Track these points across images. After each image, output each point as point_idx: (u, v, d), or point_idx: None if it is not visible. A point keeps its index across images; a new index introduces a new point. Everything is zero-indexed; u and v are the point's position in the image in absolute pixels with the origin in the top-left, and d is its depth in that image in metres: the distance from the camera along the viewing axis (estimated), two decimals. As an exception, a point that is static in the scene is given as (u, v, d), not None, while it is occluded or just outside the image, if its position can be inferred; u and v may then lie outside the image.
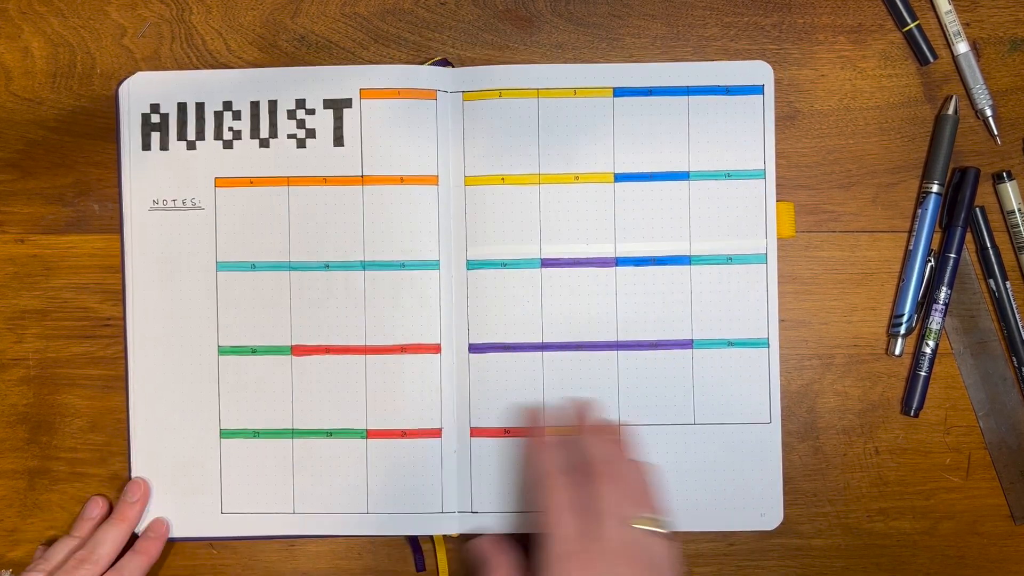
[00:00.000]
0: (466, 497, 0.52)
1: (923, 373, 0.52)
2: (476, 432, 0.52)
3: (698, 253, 0.52)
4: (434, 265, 0.52)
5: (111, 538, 0.50)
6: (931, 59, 0.52)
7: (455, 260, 0.52)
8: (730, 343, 0.51)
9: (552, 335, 0.52)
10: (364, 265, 0.52)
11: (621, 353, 0.52)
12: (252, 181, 0.52)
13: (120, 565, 0.50)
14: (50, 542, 0.52)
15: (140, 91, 0.53)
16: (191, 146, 0.53)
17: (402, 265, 0.52)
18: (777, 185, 0.52)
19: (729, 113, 0.51)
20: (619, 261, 0.52)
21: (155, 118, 0.53)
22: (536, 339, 0.52)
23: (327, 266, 0.52)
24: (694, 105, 0.52)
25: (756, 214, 0.51)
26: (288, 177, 0.52)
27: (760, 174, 0.51)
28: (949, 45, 0.52)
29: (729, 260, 0.51)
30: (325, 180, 0.52)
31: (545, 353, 0.52)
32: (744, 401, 0.52)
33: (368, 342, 0.52)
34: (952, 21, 0.52)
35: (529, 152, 0.52)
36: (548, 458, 0.47)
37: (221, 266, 0.52)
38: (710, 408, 0.52)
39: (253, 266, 0.52)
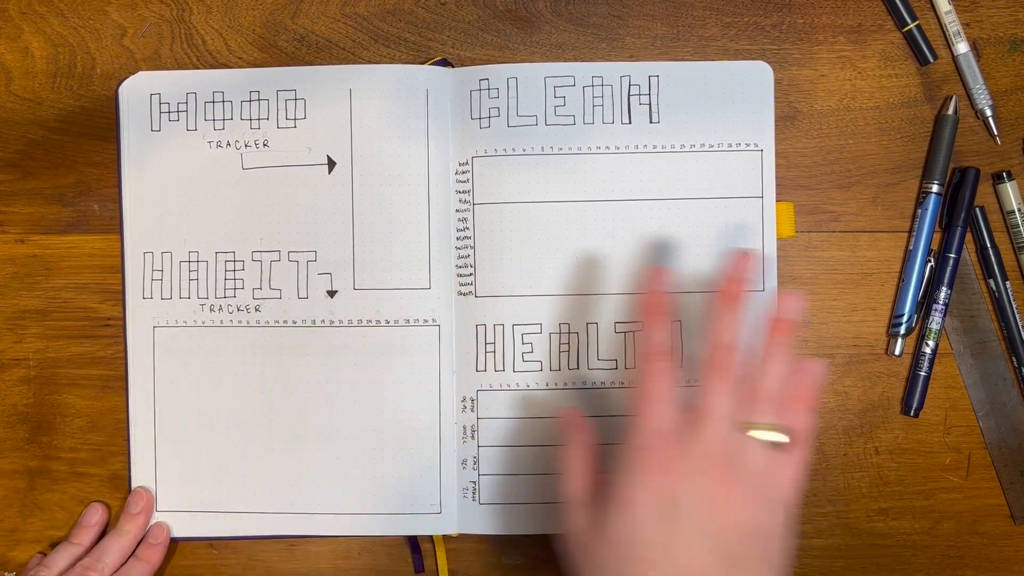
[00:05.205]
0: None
1: (923, 373, 0.52)
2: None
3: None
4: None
5: (116, 549, 0.50)
6: (931, 59, 0.52)
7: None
8: None
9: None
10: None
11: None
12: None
13: (122, 573, 0.50)
14: (52, 544, 0.53)
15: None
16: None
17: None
18: (777, 185, 0.52)
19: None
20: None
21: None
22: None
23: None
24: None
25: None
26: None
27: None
28: (949, 45, 0.52)
29: None
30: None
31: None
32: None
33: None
34: (952, 21, 0.52)
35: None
36: (658, 335, 0.40)
37: (221, 266, 0.53)
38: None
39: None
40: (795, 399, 0.40)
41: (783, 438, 0.39)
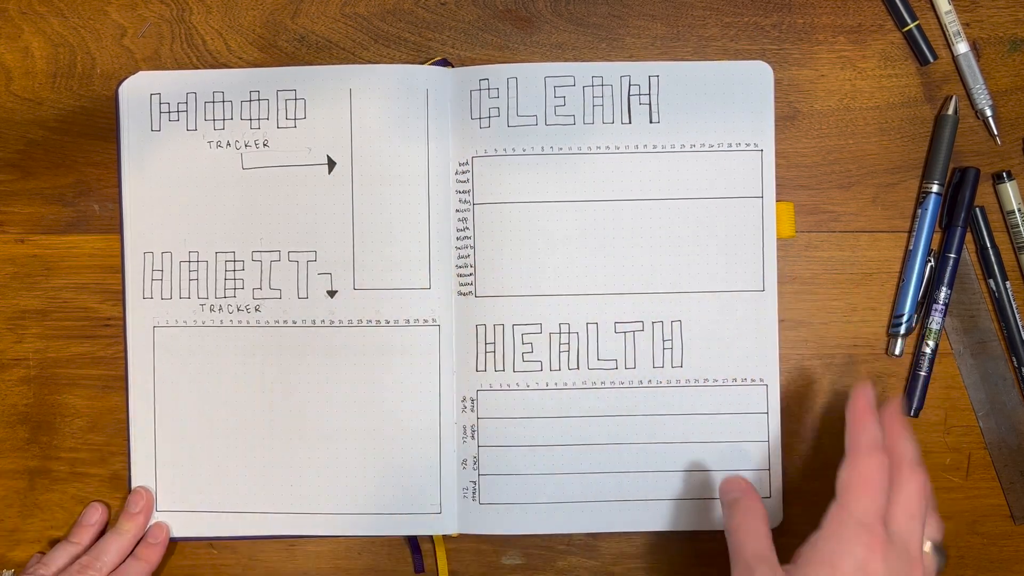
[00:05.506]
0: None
1: (923, 373, 0.52)
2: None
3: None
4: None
5: (115, 548, 0.50)
6: (931, 59, 0.52)
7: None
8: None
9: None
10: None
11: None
12: (252, 181, 0.53)
13: (121, 571, 0.50)
14: (51, 543, 0.53)
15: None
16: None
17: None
18: (777, 185, 0.52)
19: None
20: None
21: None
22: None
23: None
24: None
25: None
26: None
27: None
28: (949, 45, 0.52)
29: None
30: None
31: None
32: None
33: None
34: (952, 21, 0.52)
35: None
36: (874, 433, 0.44)
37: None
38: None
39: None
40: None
41: (937, 552, 0.44)
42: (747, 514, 0.45)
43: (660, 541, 0.53)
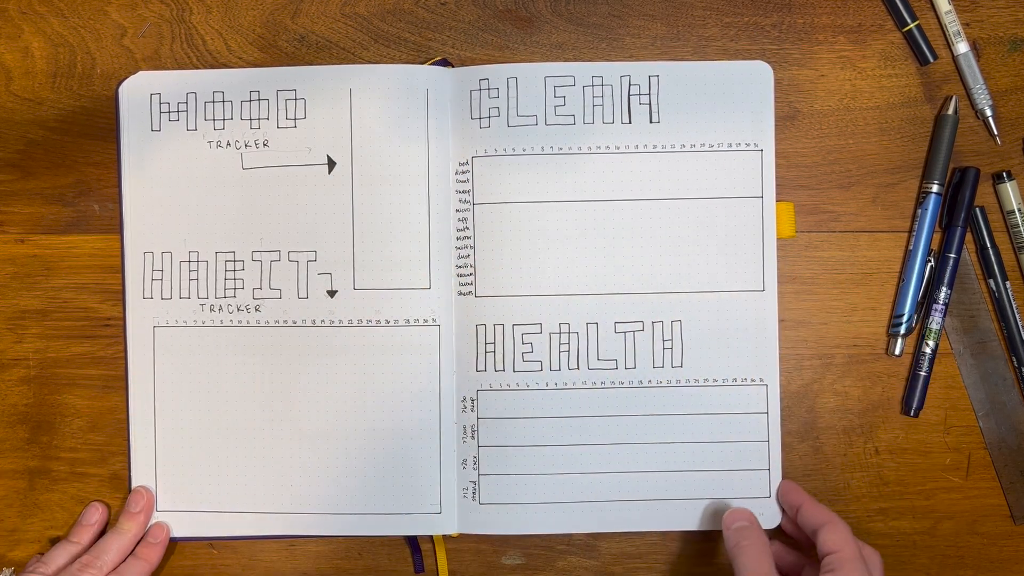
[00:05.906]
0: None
1: (923, 373, 0.52)
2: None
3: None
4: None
5: (115, 547, 0.50)
6: (931, 59, 0.52)
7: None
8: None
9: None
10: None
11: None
12: (252, 181, 0.53)
13: (121, 570, 0.50)
14: (51, 544, 0.53)
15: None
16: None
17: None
18: (777, 185, 0.52)
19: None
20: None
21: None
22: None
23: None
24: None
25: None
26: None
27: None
28: (949, 45, 0.52)
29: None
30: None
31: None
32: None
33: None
34: (952, 21, 0.52)
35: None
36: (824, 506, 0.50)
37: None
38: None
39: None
40: None
41: None
42: (756, 540, 0.48)
43: (660, 541, 0.53)
